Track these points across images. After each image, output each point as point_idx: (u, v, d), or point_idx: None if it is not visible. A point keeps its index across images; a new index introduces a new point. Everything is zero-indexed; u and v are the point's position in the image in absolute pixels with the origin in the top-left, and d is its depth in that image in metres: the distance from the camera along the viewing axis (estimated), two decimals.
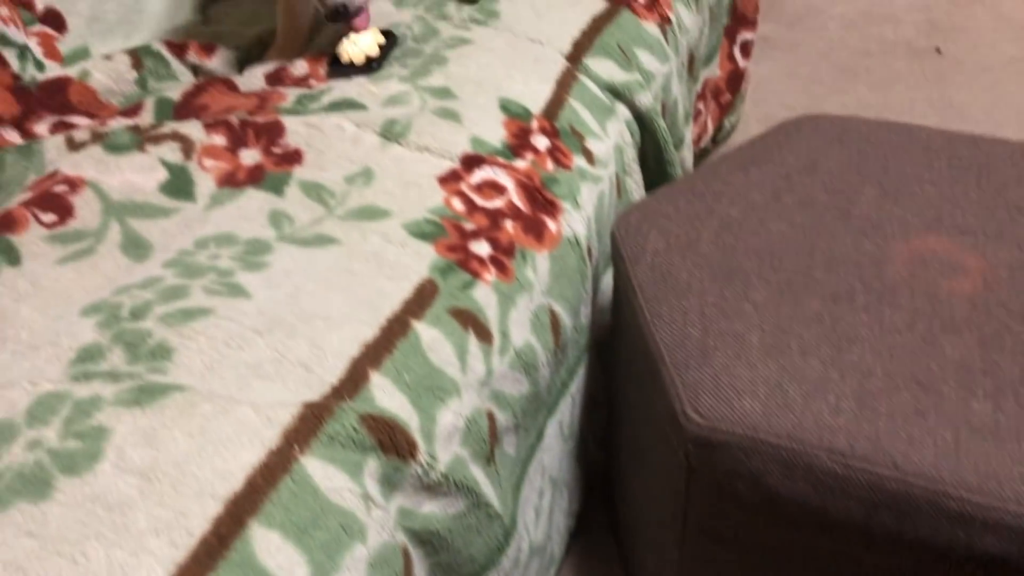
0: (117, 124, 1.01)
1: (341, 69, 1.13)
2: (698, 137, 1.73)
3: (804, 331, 0.82)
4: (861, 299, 0.85)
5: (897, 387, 0.76)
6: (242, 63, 1.27)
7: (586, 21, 1.23)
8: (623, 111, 1.19)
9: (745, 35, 1.80)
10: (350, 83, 1.11)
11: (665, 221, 0.99)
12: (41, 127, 1.12)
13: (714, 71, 1.74)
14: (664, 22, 1.31)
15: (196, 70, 1.25)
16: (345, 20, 1.10)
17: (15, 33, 1.18)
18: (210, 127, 0.99)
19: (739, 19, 1.78)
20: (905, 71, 2.35)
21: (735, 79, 1.84)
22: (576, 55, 1.18)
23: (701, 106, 1.71)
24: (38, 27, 1.23)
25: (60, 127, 1.13)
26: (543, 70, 1.14)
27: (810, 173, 1.03)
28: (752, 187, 1.01)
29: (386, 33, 1.17)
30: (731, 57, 1.81)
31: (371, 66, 1.13)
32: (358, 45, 1.14)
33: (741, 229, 0.95)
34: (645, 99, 1.21)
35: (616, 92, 1.19)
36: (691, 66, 1.47)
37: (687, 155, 1.47)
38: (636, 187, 1.21)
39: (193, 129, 0.99)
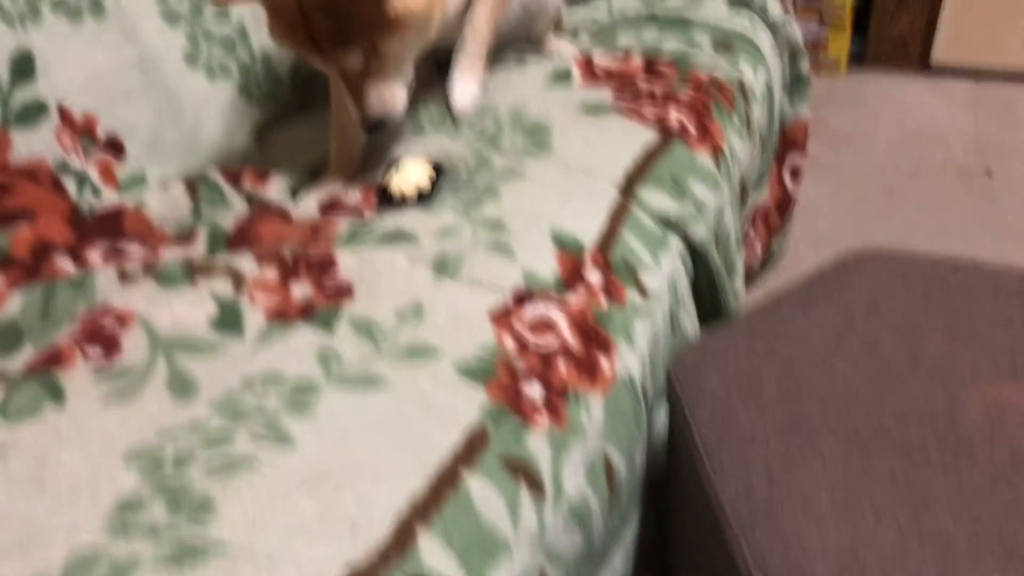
0: (169, 257, 1.00)
1: (392, 203, 1.13)
2: (748, 262, 1.71)
3: (877, 490, 0.77)
4: (936, 454, 0.80)
5: (982, 557, 0.71)
6: (296, 190, 1.28)
7: (638, 153, 1.22)
8: (676, 243, 1.18)
9: (795, 159, 1.80)
10: (404, 215, 1.11)
11: (724, 362, 0.95)
12: (94, 254, 1.12)
13: (763, 195, 1.72)
14: (716, 152, 1.31)
15: (250, 198, 1.26)
16: (382, 131, 1.14)
17: (75, 161, 1.20)
18: (262, 260, 0.99)
19: (789, 143, 1.77)
20: (955, 193, 2.33)
21: (784, 203, 1.83)
22: (629, 187, 1.18)
23: (751, 231, 1.69)
24: (98, 154, 1.26)
25: (113, 253, 1.13)
26: (596, 202, 1.13)
27: (873, 314, 1.00)
28: (813, 328, 0.98)
29: (436, 166, 1.17)
30: (780, 181, 1.80)
31: (422, 200, 1.13)
32: (409, 179, 1.14)
33: (804, 374, 0.91)
34: (699, 231, 1.19)
35: (670, 224, 1.17)
36: (742, 193, 1.46)
37: (739, 283, 1.44)
38: (690, 321, 1.18)
39: (245, 262, 0.99)
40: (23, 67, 1.14)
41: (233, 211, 1.22)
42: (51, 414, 0.81)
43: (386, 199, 1.14)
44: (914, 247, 2.04)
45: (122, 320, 0.92)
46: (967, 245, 2.08)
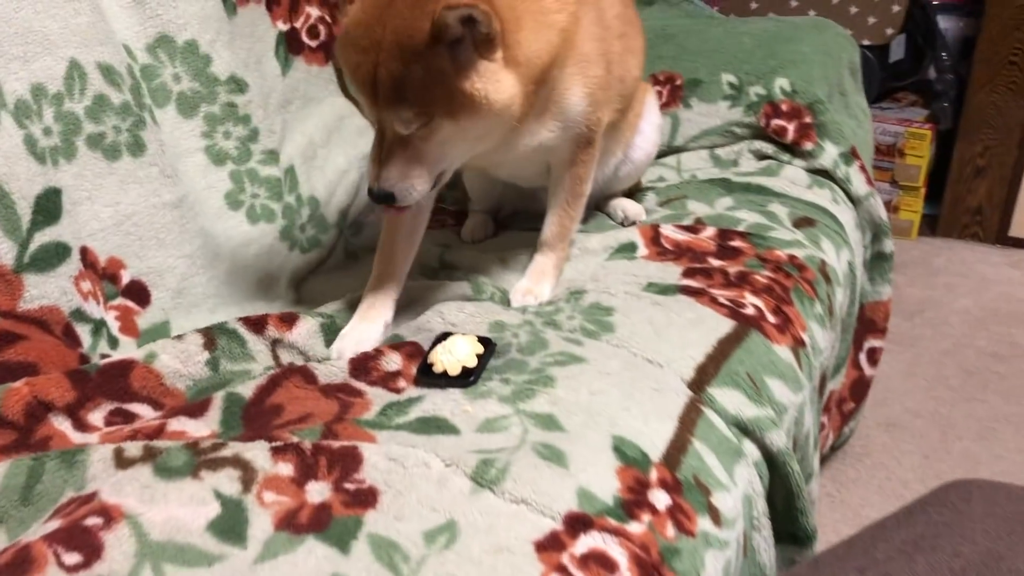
0: (173, 442, 0.88)
1: (434, 379, 1.01)
2: (820, 452, 1.54)
3: None
4: None
5: None
6: (326, 331, 1.16)
7: (711, 343, 1.09)
8: (752, 450, 1.03)
9: (873, 342, 1.65)
10: (444, 396, 0.98)
11: None
12: (96, 415, 1.00)
13: (839, 381, 1.57)
14: (798, 344, 1.17)
15: (275, 344, 1.14)
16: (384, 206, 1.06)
17: (93, 308, 1.10)
18: (277, 452, 0.86)
19: (868, 325, 1.63)
20: None
21: (860, 387, 1.67)
22: (700, 383, 1.04)
23: (825, 419, 1.53)
24: (119, 300, 1.16)
25: (117, 416, 1.02)
26: (664, 402, 0.99)
27: (993, 570, 0.83)
28: None
29: (484, 341, 1.05)
30: (857, 364, 1.65)
31: (467, 378, 1.00)
32: (453, 354, 1.02)
33: None
34: (777, 438, 1.04)
35: (745, 430, 1.03)
36: (821, 387, 1.32)
37: (815, 486, 1.28)
38: (765, 545, 1.02)
39: (258, 454, 0.86)
40: (48, 207, 1.05)
41: (253, 368, 1.11)
42: None
43: (427, 373, 1.02)
44: (1003, 444, 1.86)
45: (109, 517, 0.79)
46: None
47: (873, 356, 1.67)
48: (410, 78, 0.96)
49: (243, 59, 1.33)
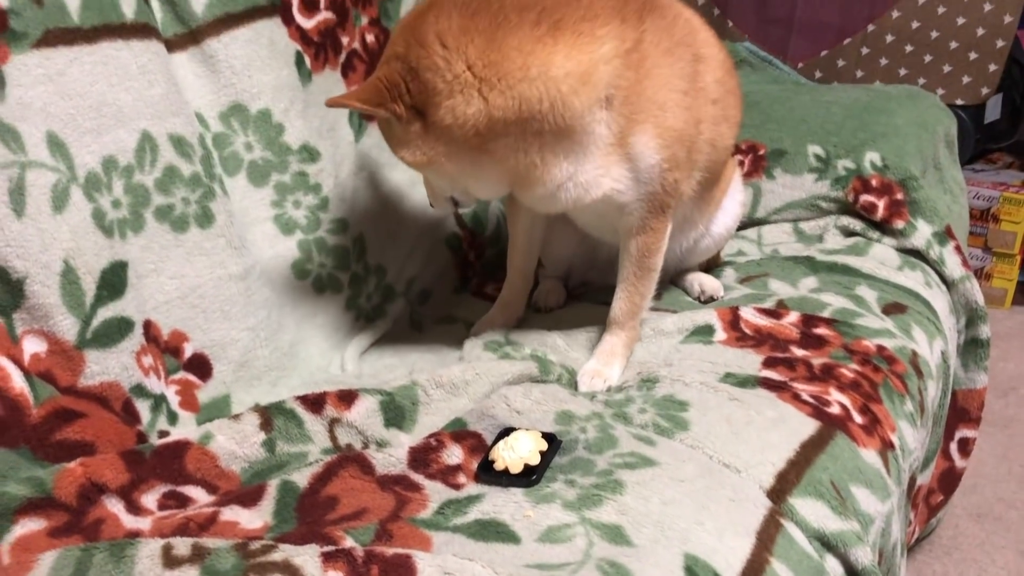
0: (223, 543, 0.84)
1: (494, 477, 0.96)
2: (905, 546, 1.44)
3: None
4: None
5: None
6: (386, 410, 1.12)
7: (793, 447, 1.02)
8: (835, 567, 0.95)
9: (965, 432, 1.55)
10: (505, 497, 0.93)
11: None
12: (149, 498, 0.98)
13: (928, 474, 1.47)
14: (886, 447, 1.09)
15: (333, 424, 1.10)
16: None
17: (154, 383, 1.08)
18: (328, 559, 0.82)
19: (960, 415, 1.53)
20: None
21: (950, 479, 1.57)
22: (780, 492, 0.97)
23: (911, 514, 1.44)
24: (181, 374, 1.14)
25: (171, 498, 0.99)
26: (741, 515, 0.92)
27: None
28: None
29: (548, 437, 1.00)
30: (947, 455, 1.55)
31: (529, 476, 0.95)
32: (516, 451, 0.97)
33: None
34: (863, 555, 0.96)
35: (828, 544, 0.95)
36: (910, 489, 1.23)
37: None
38: None
39: (308, 560, 0.81)
40: (113, 281, 1.04)
41: (311, 450, 1.07)
42: None
43: (488, 470, 0.97)
44: None
45: None
46: None
47: (965, 447, 1.56)
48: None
49: (316, 127, 1.32)
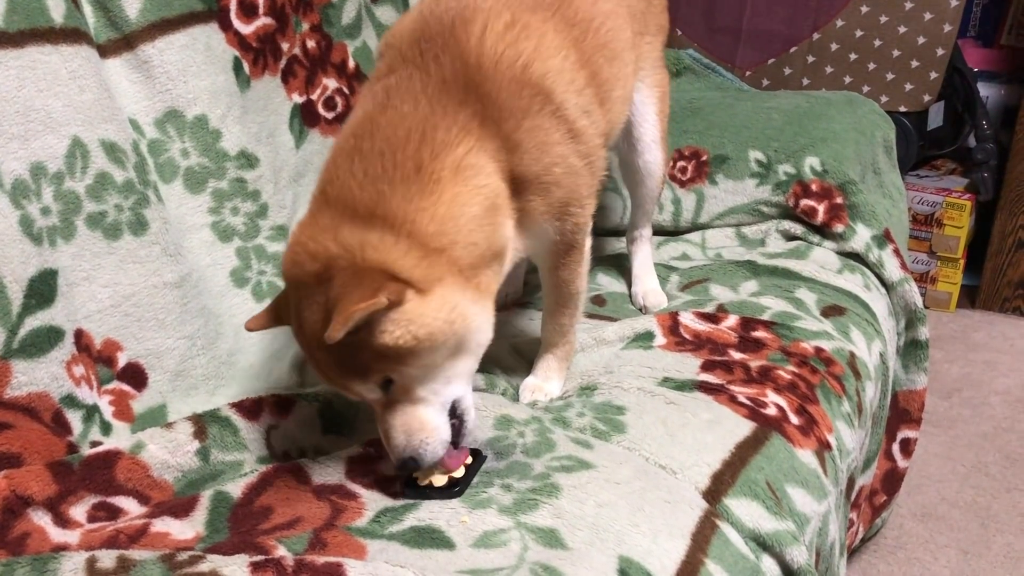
0: (149, 554, 0.83)
1: (419, 491, 0.95)
2: (849, 547, 1.46)
3: None
4: None
5: None
6: (323, 417, 1.11)
7: (728, 448, 1.03)
8: (771, 567, 0.96)
9: (907, 432, 1.57)
10: (441, 504, 0.93)
11: None
12: (78, 510, 0.96)
13: (870, 475, 1.49)
14: (823, 448, 1.10)
15: (270, 431, 1.09)
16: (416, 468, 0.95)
17: (86, 393, 1.06)
18: (257, 568, 0.80)
19: (901, 416, 1.55)
20: None
21: (893, 479, 1.59)
22: (716, 493, 0.97)
23: (854, 515, 1.45)
24: (114, 384, 1.12)
25: (101, 510, 0.98)
26: (676, 517, 0.92)
27: None
28: None
29: (474, 452, 1.00)
30: (889, 455, 1.57)
31: (453, 489, 0.95)
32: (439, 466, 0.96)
33: None
34: (799, 555, 0.97)
35: (763, 544, 0.96)
36: (849, 489, 1.24)
37: None
38: None
39: (236, 568, 0.80)
40: (42, 289, 1.02)
41: (246, 458, 1.06)
42: None
43: (412, 485, 0.96)
44: None
45: None
46: None
47: (907, 447, 1.58)
48: (341, 357, 0.89)
49: (255, 133, 1.31)
